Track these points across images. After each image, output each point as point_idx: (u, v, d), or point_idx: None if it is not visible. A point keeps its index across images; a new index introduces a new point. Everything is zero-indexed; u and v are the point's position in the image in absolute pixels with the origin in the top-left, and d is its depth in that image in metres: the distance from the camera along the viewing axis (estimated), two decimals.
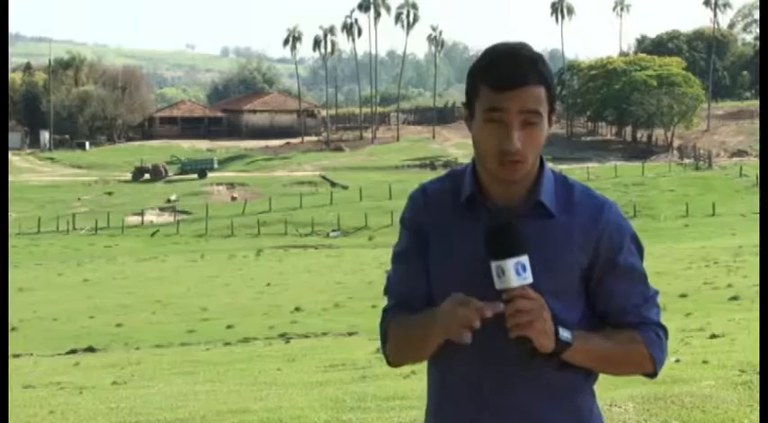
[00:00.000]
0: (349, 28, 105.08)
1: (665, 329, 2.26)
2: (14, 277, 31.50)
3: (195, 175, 79.87)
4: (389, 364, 2.36)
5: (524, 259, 2.07)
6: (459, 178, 2.27)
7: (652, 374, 2.26)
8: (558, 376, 2.18)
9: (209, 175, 79.95)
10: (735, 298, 21.56)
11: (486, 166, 2.19)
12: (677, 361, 9.09)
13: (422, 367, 2.36)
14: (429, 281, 2.26)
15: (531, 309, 2.05)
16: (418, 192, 2.32)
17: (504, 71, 2.11)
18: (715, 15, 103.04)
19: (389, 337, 2.31)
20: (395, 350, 2.31)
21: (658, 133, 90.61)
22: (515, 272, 2.05)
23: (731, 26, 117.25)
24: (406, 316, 2.26)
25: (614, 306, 2.22)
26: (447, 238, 2.24)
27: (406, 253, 2.31)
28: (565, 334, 2.10)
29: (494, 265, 2.07)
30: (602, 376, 2.32)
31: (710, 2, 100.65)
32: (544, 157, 2.26)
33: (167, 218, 66.35)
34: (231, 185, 76.97)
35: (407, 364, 2.37)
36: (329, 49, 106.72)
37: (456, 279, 2.19)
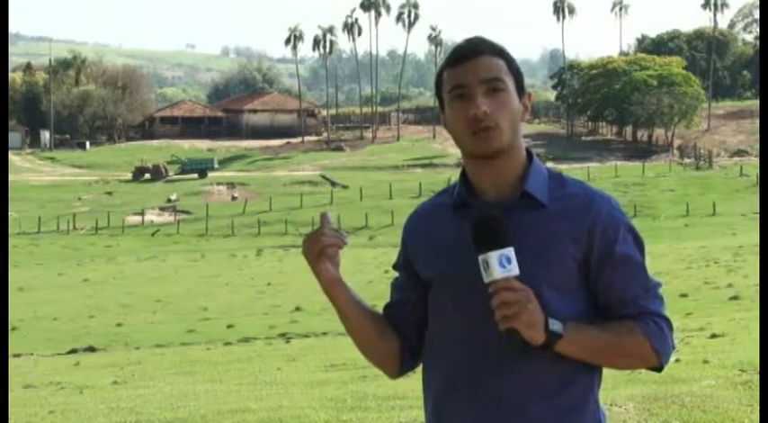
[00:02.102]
0: (350, 27, 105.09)
1: (667, 321, 2.20)
2: (14, 277, 31.52)
3: (195, 175, 79.88)
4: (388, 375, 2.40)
5: (508, 251, 2.07)
6: (453, 188, 2.29)
7: (657, 368, 2.21)
8: (552, 370, 2.15)
9: (210, 174, 79.96)
10: (735, 298, 21.57)
11: (463, 146, 2.20)
12: (677, 361, 9.08)
13: (422, 367, 2.35)
14: (421, 293, 2.30)
15: (517, 300, 2.05)
16: (414, 212, 2.38)
17: (460, 48, 2.21)
18: (715, 16, 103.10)
19: None
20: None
21: (659, 133, 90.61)
22: (499, 264, 2.06)
23: (731, 26, 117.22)
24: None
25: (613, 298, 2.19)
26: (439, 244, 2.25)
27: (396, 267, 2.39)
28: (555, 325, 2.08)
29: (480, 258, 2.08)
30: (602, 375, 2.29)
31: (709, 3, 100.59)
32: (534, 152, 2.26)
33: (168, 217, 66.37)
34: (231, 185, 76.97)
35: (387, 369, 2.35)
36: (329, 48, 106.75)
37: (449, 278, 2.21)
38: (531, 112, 2.28)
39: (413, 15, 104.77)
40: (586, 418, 2.20)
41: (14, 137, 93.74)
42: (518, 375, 2.15)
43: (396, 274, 2.40)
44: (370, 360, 2.36)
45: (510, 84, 2.18)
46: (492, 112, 2.14)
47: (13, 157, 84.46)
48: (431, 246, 2.26)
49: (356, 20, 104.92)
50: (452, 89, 2.18)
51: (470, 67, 2.16)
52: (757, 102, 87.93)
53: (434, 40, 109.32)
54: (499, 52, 2.20)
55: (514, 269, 2.07)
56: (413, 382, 8.35)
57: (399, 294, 2.36)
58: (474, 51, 2.18)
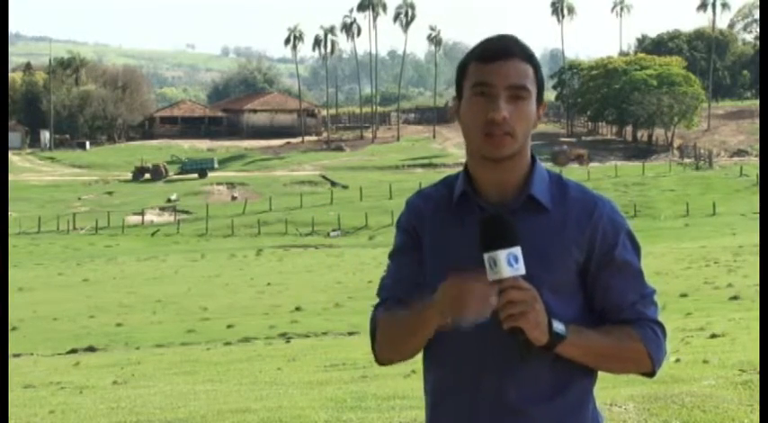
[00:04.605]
0: (349, 27, 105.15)
1: (662, 328, 2.23)
2: (14, 277, 31.54)
3: (195, 175, 79.89)
4: (378, 361, 2.34)
5: (516, 250, 2.05)
6: (453, 182, 2.28)
7: (650, 373, 2.23)
8: (551, 373, 2.16)
9: (210, 174, 79.97)
10: (735, 297, 21.57)
11: (473, 144, 2.18)
12: (677, 361, 9.08)
13: (422, 366, 2.35)
14: (421, 278, 2.26)
15: (524, 299, 2.04)
16: (414, 197, 2.34)
17: (492, 45, 2.17)
18: (714, 15, 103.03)
19: (378, 331, 2.29)
20: (384, 345, 2.29)
21: (659, 133, 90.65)
22: (507, 262, 2.04)
23: (731, 26, 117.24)
24: (396, 309, 2.25)
25: (610, 302, 2.21)
26: (441, 237, 2.24)
27: (397, 251, 2.33)
28: (559, 326, 2.09)
29: (486, 256, 2.06)
30: (601, 376, 2.30)
31: (705, 5, 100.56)
32: (537, 155, 2.26)
33: (168, 217, 66.36)
34: (231, 185, 76.99)
35: (396, 362, 2.33)
36: (329, 48, 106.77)
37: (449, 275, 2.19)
38: None
39: (410, 15, 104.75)
40: (585, 420, 2.22)
41: (14, 137, 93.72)
42: (517, 378, 2.16)
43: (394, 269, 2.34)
44: (408, 357, 2.29)
45: (533, 92, 2.17)
46: (511, 118, 2.13)
47: (13, 157, 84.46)
48: (434, 240, 2.25)
49: (355, 20, 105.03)
50: (476, 85, 2.15)
51: (499, 68, 2.13)
52: (757, 102, 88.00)
53: (434, 39, 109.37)
54: (529, 58, 2.17)
55: (521, 268, 2.05)
56: (413, 382, 8.35)
57: (407, 275, 2.28)
58: (506, 52, 2.14)
